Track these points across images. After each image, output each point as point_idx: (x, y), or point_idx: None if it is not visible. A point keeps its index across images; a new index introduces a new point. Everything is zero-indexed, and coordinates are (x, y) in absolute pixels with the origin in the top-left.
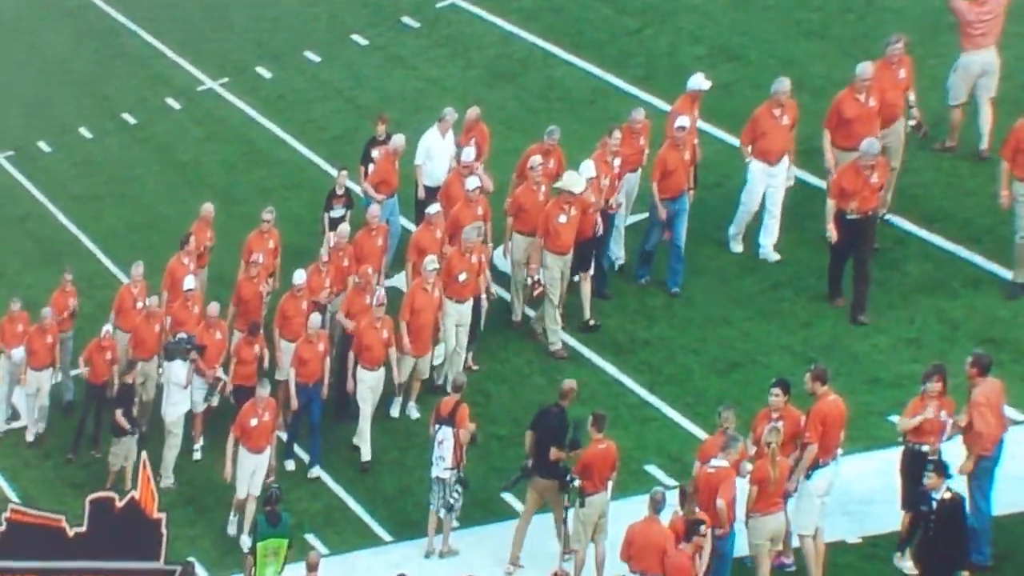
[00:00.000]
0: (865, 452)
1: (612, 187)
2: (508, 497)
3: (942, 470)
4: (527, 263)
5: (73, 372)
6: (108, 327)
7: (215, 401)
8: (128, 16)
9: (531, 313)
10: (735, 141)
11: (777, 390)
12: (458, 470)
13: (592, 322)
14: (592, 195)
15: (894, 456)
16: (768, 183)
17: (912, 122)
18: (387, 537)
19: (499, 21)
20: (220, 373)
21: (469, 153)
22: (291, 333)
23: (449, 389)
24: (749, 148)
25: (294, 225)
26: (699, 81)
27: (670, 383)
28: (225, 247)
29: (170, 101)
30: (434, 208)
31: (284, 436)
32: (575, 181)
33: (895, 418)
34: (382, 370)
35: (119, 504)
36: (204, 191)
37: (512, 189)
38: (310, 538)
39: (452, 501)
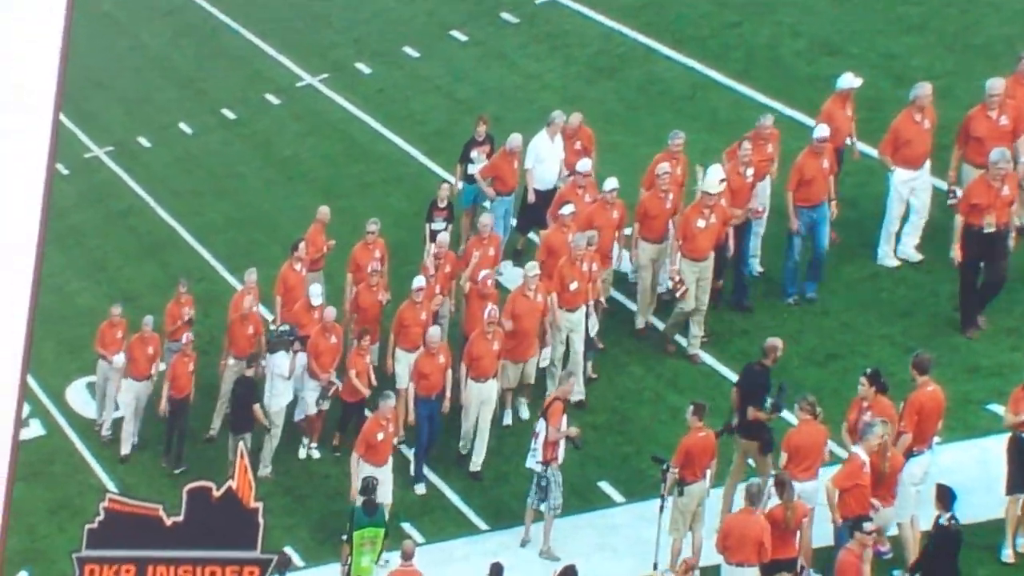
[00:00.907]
0: (963, 440)
1: (747, 197)
2: (604, 486)
3: (945, 499)
4: (671, 268)
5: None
6: (189, 334)
7: (326, 405)
8: (228, 14)
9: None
10: None
11: (864, 379)
12: (547, 467)
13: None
14: (726, 202)
15: (992, 444)
16: (913, 187)
17: None
18: (483, 526)
19: (599, 17)
20: (333, 377)
21: (585, 164)
22: (408, 342)
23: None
24: (889, 158)
25: (394, 220)
26: (848, 80)
27: None
28: None
29: (270, 97)
30: (568, 209)
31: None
32: (710, 182)
33: (997, 407)
34: (492, 382)
35: (216, 494)
36: (304, 187)
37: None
38: (406, 527)
39: (532, 495)
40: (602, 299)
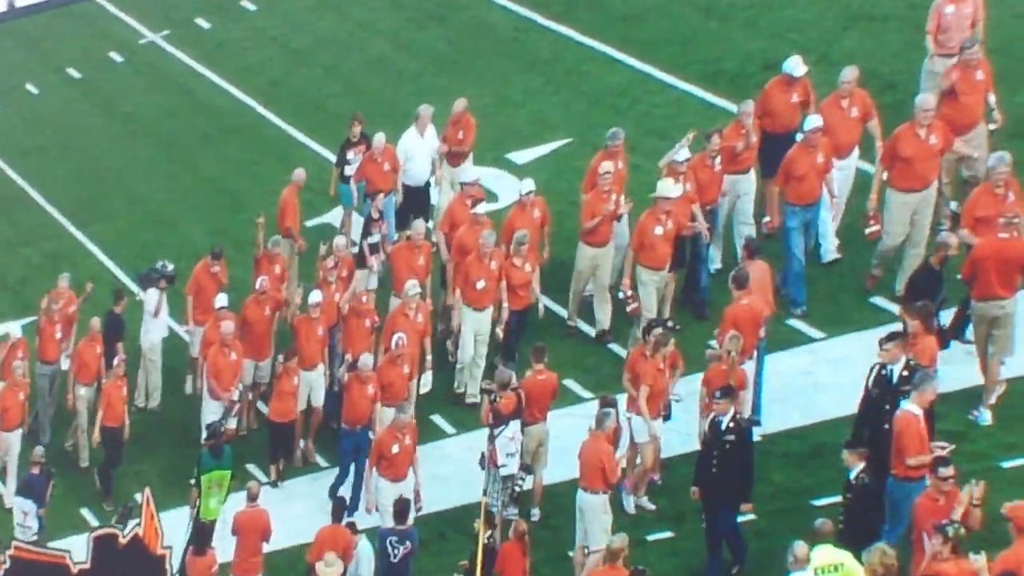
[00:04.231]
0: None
1: (716, 191)
2: (436, 419)
3: None
4: (622, 280)
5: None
6: (121, 353)
7: (232, 424)
8: None
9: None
10: (649, 70)
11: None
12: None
13: (671, 323)
14: (691, 187)
15: (788, 358)
16: (836, 177)
17: (993, 125)
18: (323, 463)
19: None
20: (235, 396)
21: (469, 173)
22: (308, 361)
23: (494, 389)
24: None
25: (232, 167)
26: (792, 65)
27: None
28: (166, 193)
29: (113, 55)
30: (481, 207)
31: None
32: (672, 187)
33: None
34: (404, 405)
35: (122, 540)
36: (147, 140)
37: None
38: (251, 468)
39: (518, 490)
40: (540, 305)
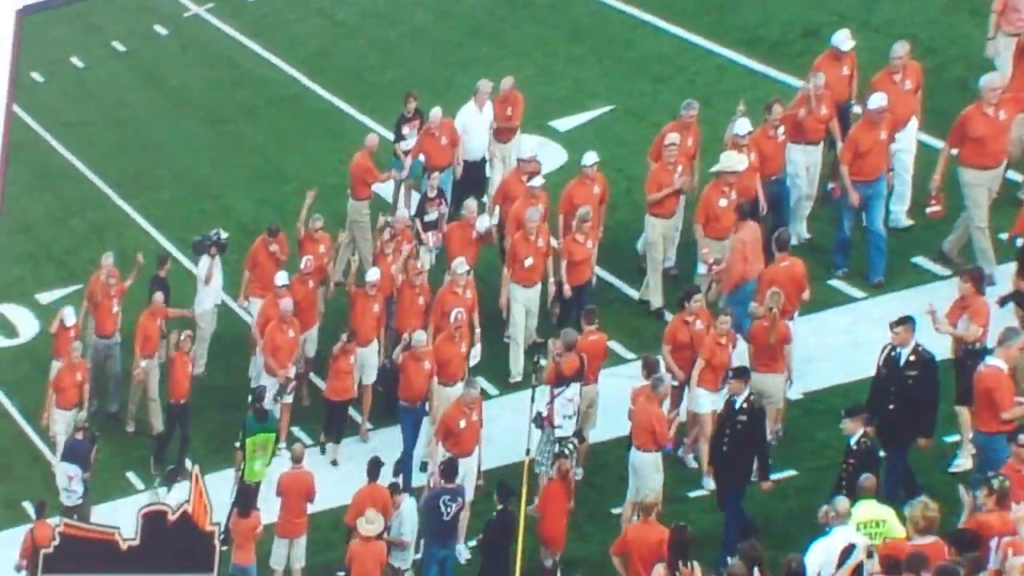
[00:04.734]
0: (802, 315)
1: (780, 162)
2: (480, 380)
3: (503, 493)
4: (703, 251)
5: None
6: (188, 331)
7: (288, 399)
8: None
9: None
10: (690, 37)
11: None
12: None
13: None
14: (755, 156)
15: (830, 317)
16: (896, 148)
17: None
18: (368, 425)
19: None
20: (291, 373)
21: (526, 149)
22: (363, 337)
23: (559, 351)
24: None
25: (276, 140)
26: (841, 39)
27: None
28: (210, 165)
29: (158, 28)
30: (537, 181)
31: None
32: (737, 160)
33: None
34: (460, 385)
35: (172, 517)
36: (191, 113)
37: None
38: (296, 431)
39: (568, 453)
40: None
